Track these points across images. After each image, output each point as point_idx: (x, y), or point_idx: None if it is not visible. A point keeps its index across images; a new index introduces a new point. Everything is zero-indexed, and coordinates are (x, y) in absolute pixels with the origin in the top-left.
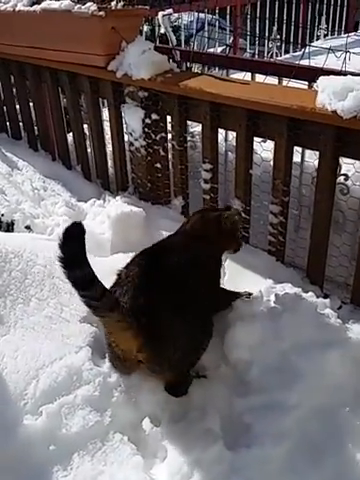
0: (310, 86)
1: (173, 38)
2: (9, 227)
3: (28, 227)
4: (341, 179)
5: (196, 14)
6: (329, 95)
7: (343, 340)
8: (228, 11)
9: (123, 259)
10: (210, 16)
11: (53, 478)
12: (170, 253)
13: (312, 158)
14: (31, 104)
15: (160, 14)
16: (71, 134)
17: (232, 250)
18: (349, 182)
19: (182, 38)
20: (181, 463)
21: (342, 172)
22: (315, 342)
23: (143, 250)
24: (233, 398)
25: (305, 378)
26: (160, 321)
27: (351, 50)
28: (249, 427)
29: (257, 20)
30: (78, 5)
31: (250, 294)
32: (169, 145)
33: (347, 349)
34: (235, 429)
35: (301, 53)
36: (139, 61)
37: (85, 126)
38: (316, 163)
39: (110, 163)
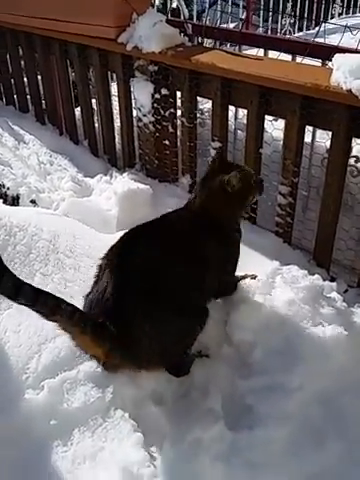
0: (324, 64)
1: (186, 11)
2: (14, 201)
3: (33, 201)
4: (351, 161)
5: None
6: (344, 73)
7: (348, 324)
8: None
9: None
10: None
11: (53, 453)
12: (154, 237)
13: (323, 138)
14: (39, 77)
15: None
16: (79, 108)
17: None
18: None
19: (194, 12)
20: (181, 442)
21: (352, 154)
22: (319, 325)
23: (127, 232)
24: (235, 379)
25: (308, 361)
26: (128, 323)
27: None
28: (251, 408)
29: None
30: None
31: (255, 276)
32: (178, 122)
33: (352, 333)
34: (237, 410)
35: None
36: (150, 33)
37: (93, 101)
38: (327, 144)
39: (118, 139)
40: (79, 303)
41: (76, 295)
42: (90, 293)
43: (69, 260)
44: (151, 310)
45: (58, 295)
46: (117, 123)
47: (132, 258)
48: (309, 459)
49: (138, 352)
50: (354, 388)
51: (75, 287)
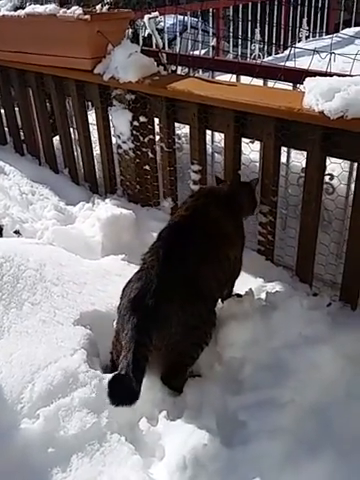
0: (295, 87)
1: (159, 41)
2: None
3: (17, 232)
4: (326, 179)
5: (179, 17)
6: (316, 96)
7: (333, 337)
8: (210, 14)
9: (114, 261)
10: (193, 19)
11: None
12: (187, 231)
13: (298, 158)
14: (16, 109)
15: (146, 17)
16: (57, 138)
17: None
18: (335, 181)
19: (166, 40)
20: (179, 461)
21: (327, 172)
22: (306, 339)
23: (167, 227)
24: (227, 396)
25: (297, 375)
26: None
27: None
28: (244, 424)
29: (239, 22)
30: (63, 9)
31: (241, 295)
32: (157, 147)
33: (337, 345)
34: (230, 426)
35: (283, 55)
36: (126, 64)
37: (71, 130)
38: (303, 163)
39: (98, 166)
40: (68, 331)
41: (65, 322)
42: (130, 282)
43: (56, 288)
44: (185, 299)
45: (47, 323)
46: (96, 151)
47: (171, 253)
48: (305, 469)
49: (166, 331)
50: (342, 398)
51: (64, 314)
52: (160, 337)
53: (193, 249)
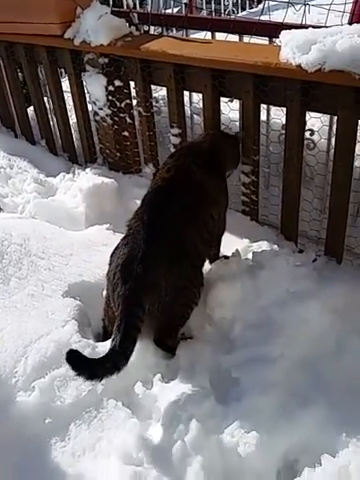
0: (271, 42)
1: (129, 1)
2: None
3: None
4: (307, 134)
5: None
6: (292, 49)
7: (320, 291)
8: None
9: (99, 231)
10: None
11: (52, 450)
12: (175, 193)
13: (278, 115)
14: None
15: None
16: (32, 108)
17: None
18: (315, 137)
19: (137, 0)
20: (175, 421)
21: (307, 127)
22: (293, 296)
23: (150, 191)
24: (219, 355)
25: (286, 331)
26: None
27: (309, 2)
28: (237, 381)
29: None
30: None
31: (227, 257)
32: (135, 112)
33: (325, 300)
34: (224, 384)
35: (258, 9)
36: (97, 26)
37: (45, 99)
38: (283, 120)
39: (75, 135)
40: (57, 303)
41: (54, 294)
42: (117, 248)
43: (42, 261)
44: (172, 261)
45: (36, 297)
46: (73, 119)
47: (156, 217)
48: (298, 419)
49: (156, 296)
50: (332, 351)
51: (52, 287)
52: (151, 302)
53: (177, 211)
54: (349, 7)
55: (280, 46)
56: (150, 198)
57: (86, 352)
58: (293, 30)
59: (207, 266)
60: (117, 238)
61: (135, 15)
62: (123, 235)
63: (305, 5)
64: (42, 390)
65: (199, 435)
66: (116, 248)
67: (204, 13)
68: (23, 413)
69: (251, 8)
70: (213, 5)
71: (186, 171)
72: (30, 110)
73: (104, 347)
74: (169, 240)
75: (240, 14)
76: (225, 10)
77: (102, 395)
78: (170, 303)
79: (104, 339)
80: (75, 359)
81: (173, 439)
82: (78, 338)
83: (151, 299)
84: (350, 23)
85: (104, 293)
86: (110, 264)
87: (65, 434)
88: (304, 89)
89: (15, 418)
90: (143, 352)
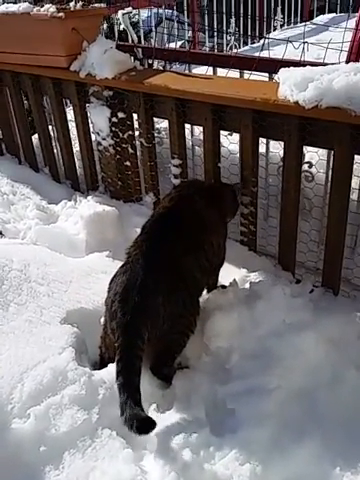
0: (271, 78)
1: (134, 36)
2: None
3: (0, 233)
4: (305, 167)
5: (154, 9)
6: (290, 86)
7: (316, 322)
8: (185, 6)
9: (99, 258)
10: (168, 11)
11: (46, 478)
12: (171, 224)
13: (276, 148)
14: None
15: (120, 12)
16: (36, 136)
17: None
18: (313, 169)
19: (141, 34)
20: (170, 452)
21: (306, 160)
22: (290, 326)
23: (150, 219)
24: (216, 386)
25: (283, 361)
26: (151, 300)
27: (308, 39)
28: (233, 412)
29: (214, 13)
30: (37, 7)
31: (225, 286)
32: (137, 143)
33: (321, 331)
34: (220, 415)
35: (259, 44)
36: (102, 60)
37: (50, 127)
38: (281, 153)
39: (78, 163)
40: (55, 330)
41: (52, 321)
42: (116, 276)
43: (42, 287)
44: (170, 290)
45: (34, 323)
46: (76, 148)
47: (154, 245)
48: (292, 453)
49: (154, 325)
50: (327, 381)
51: (51, 313)
52: (150, 331)
53: (176, 239)
54: (347, 45)
55: (279, 83)
56: (150, 226)
57: (82, 380)
58: (291, 68)
59: (205, 295)
60: (117, 266)
61: (139, 50)
62: (122, 263)
63: (304, 43)
64: (37, 417)
65: (193, 466)
66: (115, 276)
67: (207, 47)
68: (18, 440)
69: (253, 43)
70: (216, 39)
71: (187, 200)
72: (34, 138)
73: (100, 375)
74: (167, 269)
75: (242, 49)
76: (227, 44)
77: (97, 424)
78: (167, 331)
79: (101, 367)
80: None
81: (167, 470)
82: (74, 366)
83: (149, 328)
84: (347, 61)
85: (102, 320)
86: (108, 291)
87: (59, 463)
88: (301, 125)
89: (10, 445)
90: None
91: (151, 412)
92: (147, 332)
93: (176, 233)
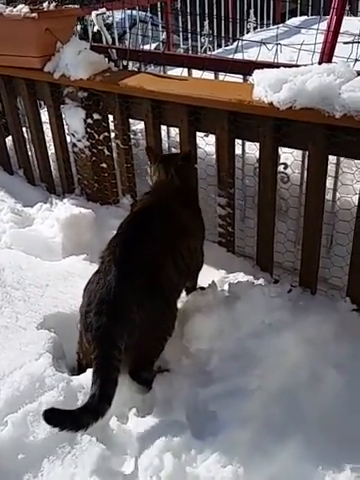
0: (245, 79)
1: (108, 37)
2: None
3: None
4: (280, 168)
5: (128, 11)
6: (265, 88)
7: (295, 322)
8: (159, 8)
9: (76, 262)
10: (142, 13)
11: None
12: (143, 226)
13: (252, 149)
14: None
15: (93, 13)
16: (10, 138)
17: None
18: (289, 170)
19: (115, 36)
20: (151, 457)
21: (281, 161)
22: (269, 327)
23: (124, 222)
24: (196, 388)
25: (263, 362)
26: (125, 308)
27: (281, 41)
28: (214, 414)
29: (188, 15)
30: (10, 8)
31: (203, 288)
32: (113, 144)
33: (300, 330)
34: (201, 418)
35: (233, 46)
36: (76, 61)
37: (24, 129)
38: (256, 154)
39: (53, 166)
40: (31, 335)
41: (28, 326)
42: (90, 283)
43: (17, 292)
44: (144, 296)
45: (10, 329)
46: (51, 150)
47: (128, 250)
48: (274, 454)
49: (130, 333)
50: (307, 381)
51: (27, 318)
52: (127, 340)
53: (151, 243)
54: (319, 47)
55: (253, 84)
56: (123, 230)
57: (60, 386)
58: (265, 69)
59: (183, 297)
60: (94, 269)
61: (114, 51)
62: (97, 267)
63: (277, 44)
64: (15, 425)
65: (175, 470)
66: (89, 282)
67: (181, 49)
68: None
69: (227, 45)
70: (190, 42)
71: (161, 204)
72: (8, 140)
73: (78, 381)
74: (141, 275)
75: (216, 51)
76: (201, 47)
77: None
78: (144, 337)
79: (79, 372)
80: (55, 417)
81: (148, 474)
82: (52, 372)
83: (126, 338)
84: (320, 62)
85: (79, 325)
86: (83, 299)
87: (38, 470)
88: (276, 126)
89: None
90: (118, 387)
91: (131, 416)
92: (123, 342)
93: (150, 237)
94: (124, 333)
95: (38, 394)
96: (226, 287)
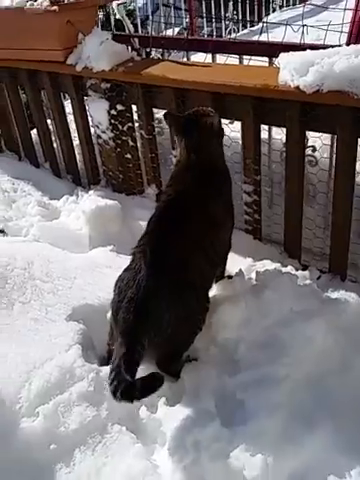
0: (271, 62)
1: (130, 27)
2: None
3: (2, 231)
4: (309, 151)
5: None
6: (290, 71)
7: (324, 309)
8: None
9: (103, 253)
10: None
11: (57, 476)
12: (173, 219)
13: (278, 134)
14: None
15: (114, 3)
16: (35, 131)
17: None
18: (317, 154)
19: (138, 21)
20: (180, 446)
21: (309, 144)
22: (298, 314)
23: (153, 217)
24: (225, 377)
25: (291, 350)
26: (155, 306)
27: (308, 20)
28: (243, 403)
29: None
30: (30, 1)
31: (231, 276)
32: (137, 134)
33: (329, 317)
34: (229, 407)
35: (259, 27)
36: (98, 53)
37: (49, 122)
38: (283, 139)
39: (79, 158)
40: (61, 327)
41: (58, 318)
42: (120, 280)
43: (46, 285)
44: (174, 294)
45: (40, 321)
46: (76, 142)
47: (158, 248)
48: (303, 443)
49: (157, 329)
50: (337, 368)
51: (56, 311)
52: (153, 335)
53: (179, 240)
54: (346, 27)
55: (279, 68)
56: (151, 228)
57: (90, 377)
58: (291, 52)
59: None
60: (121, 260)
61: (136, 40)
62: (127, 259)
63: (303, 26)
64: (46, 416)
65: (204, 459)
66: (119, 279)
67: (205, 32)
68: (27, 439)
69: (252, 26)
70: (214, 24)
71: (184, 195)
72: (33, 133)
73: (107, 371)
74: (171, 273)
75: (241, 32)
76: (226, 29)
77: (106, 420)
78: (174, 332)
79: (108, 362)
80: None
81: (178, 464)
82: (82, 362)
83: (152, 335)
84: (348, 43)
85: (108, 316)
86: (114, 293)
87: (70, 460)
88: (303, 110)
89: (20, 444)
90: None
91: (160, 405)
92: (148, 339)
93: (178, 231)
94: (151, 331)
95: (68, 385)
96: (253, 275)
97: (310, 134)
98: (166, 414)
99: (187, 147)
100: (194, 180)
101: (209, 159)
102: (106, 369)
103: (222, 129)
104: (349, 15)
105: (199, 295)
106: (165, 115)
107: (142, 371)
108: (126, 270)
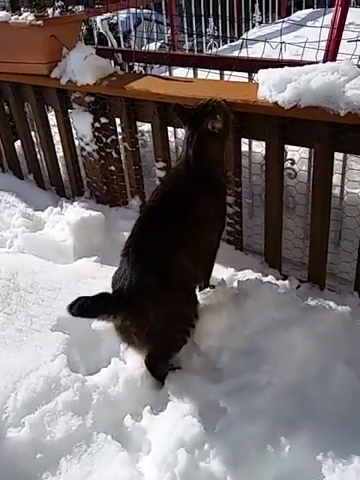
0: (250, 78)
1: (114, 41)
2: None
3: None
4: (288, 164)
5: (132, 10)
6: (269, 87)
7: (304, 318)
8: (163, 6)
9: (87, 264)
10: (146, 11)
11: None
12: (159, 217)
13: (259, 147)
14: None
15: (98, 18)
16: (19, 142)
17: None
18: (296, 167)
19: (120, 35)
20: (165, 453)
21: (288, 157)
22: (278, 323)
23: (137, 219)
24: (208, 385)
25: (272, 357)
26: (141, 299)
27: (287, 36)
28: (226, 410)
29: (193, 11)
30: (15, 15)
31: (213, 286)
32: (121, 147)
33: (309, 325)
34: (213, 414)
35: (238, 42)
36: (82, 67)
37: (33, 134)
38: (263, 152)
39: (63, 169)
40: (46, 337)
41: (43, 329)
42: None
43: (31, 296)
44: (158, 293)
45: (25, 332)
46: (60, 153)
47: (139, 250)
48: (284, 448)
49: (142, 322)
50: (316, 375)
51: (41, 321)
52: (137, 326)
53: (162, 240)
54: (324, 44)
55: (258, 84)
56: (135, 228)
57: (75, 386)
58: (270, 69)
59: None
60: (105, 270)
61: (119, 55)
62: (112, 269)
63: (281, 43)
64: (32, 426)
65: (189, 466)
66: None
67: (186, 46)
68: (14, 449)
69: (232, 41)
70: (195, 38)
71: (172, 194)
72: (17, 145)
73: (93, 381)
74: (154, 273)
75: (221, 47)
76: (207, 43)
77: (92, 429)
78: (163, 331)
79: None
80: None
81: (163, 470)
82: (67, 372)
83: (136, 322)
84: (325, 61)
85: (93, 326)
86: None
87: (56, 469)
88: (282, 124)
89: (6, 454)
90: (132, 385)
91: (145, 414)
92: (129, 319)
93: (162, 231)
94: (133, 315)
95: (54, 395)
96: (235, 284)
97: (289, 147)
98: (151, 422)
99: (187, 141)
100: (187, 178)
101: (206, 158)
102: (91, 379)
103: (227, 130)
104: (326, 31)
105: (187, 292)
106: (174, 107)
107: (128, 381)
108: (116, 271)
